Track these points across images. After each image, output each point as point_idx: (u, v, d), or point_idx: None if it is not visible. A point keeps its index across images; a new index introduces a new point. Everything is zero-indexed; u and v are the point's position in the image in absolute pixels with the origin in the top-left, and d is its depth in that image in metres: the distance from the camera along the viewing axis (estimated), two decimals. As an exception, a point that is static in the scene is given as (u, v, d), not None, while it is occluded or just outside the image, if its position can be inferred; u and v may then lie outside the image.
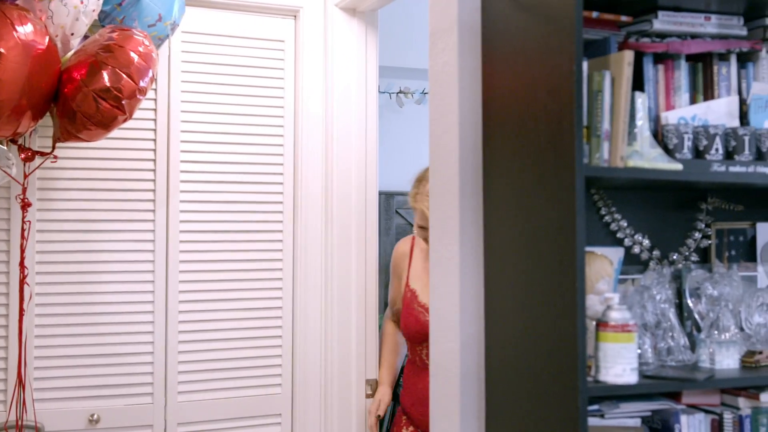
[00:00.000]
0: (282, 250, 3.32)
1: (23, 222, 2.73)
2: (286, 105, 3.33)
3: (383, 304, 5.89)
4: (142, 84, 2.55)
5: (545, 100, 1.83)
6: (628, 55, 1.87)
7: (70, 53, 2.62)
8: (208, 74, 3.23)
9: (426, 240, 2.88)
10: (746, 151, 1.99)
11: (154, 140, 3.13)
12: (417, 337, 2.96)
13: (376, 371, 3.35)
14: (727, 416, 1.93)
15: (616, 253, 2.05)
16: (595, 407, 1.84)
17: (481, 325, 2.11)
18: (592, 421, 1.82)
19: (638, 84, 2.00)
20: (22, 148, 2.66)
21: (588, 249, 1.87)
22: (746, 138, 1.99)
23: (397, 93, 5.96)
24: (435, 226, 2.23)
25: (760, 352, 1.98)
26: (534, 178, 1.88)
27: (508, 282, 1.99)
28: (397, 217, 6.09)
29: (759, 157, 2.01)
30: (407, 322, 3.01)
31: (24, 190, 2.71)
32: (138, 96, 2.54)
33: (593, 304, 1.91)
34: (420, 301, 2.99)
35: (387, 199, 5.95)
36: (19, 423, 2.75)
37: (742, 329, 2.08)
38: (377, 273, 3.40)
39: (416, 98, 6.03)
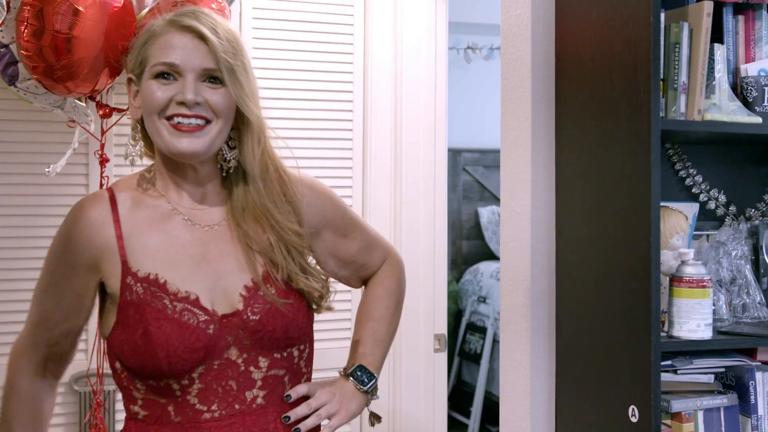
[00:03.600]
0: (351, 205, 3.34)
1: (101, 177, 2.79)
2: (356, 61, 3.33)
3: (451, 262, 5.83)
4: (215, 40, 2.58)
5: (621, 52, 1.81)
6: (708, 6, 1.83)
7: (145, 10, 2.66)
8: (278, 30, 3.24)
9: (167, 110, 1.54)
10: (829, 104, 1.93)
11: (226, 97, 3.17)
12: (186, 359, 1.47)
13: (445, 326, 3.37)
14: (804, 374, 1.90)
15: (690, 209, 2.02)
16: (668, 362, 1.83)
17: (552, 280, 2.11)
18: (665, 377, 1.81)
19: (717, 36, 1.95)
20: (99, 105, 2.72)
21: (662, 204, 1.85)
22: (829, 90, 1.93)
23: (465, 49, 5.91)
24: (506, 180, 2.23)
25: (840, 310, 1.95)
26: (608, 132, 1.86)
27: (580, 237, 1.99)
28: (464, 174, 6.07)
29: (842, 110, 1.95)
30: (159, 337, 1.46)
31: (102, 146, 2.78)
32: (211, 52, 2.58)
33: (667, 259, 1.90)
34: (174, 291, 1.51)
35: (454, 155, 5.93)
36: (100, 371, 2.85)
37: (820, 286, 2.04)
38: (446, 229, 3.41)
39: (484, 54, 5.96)
